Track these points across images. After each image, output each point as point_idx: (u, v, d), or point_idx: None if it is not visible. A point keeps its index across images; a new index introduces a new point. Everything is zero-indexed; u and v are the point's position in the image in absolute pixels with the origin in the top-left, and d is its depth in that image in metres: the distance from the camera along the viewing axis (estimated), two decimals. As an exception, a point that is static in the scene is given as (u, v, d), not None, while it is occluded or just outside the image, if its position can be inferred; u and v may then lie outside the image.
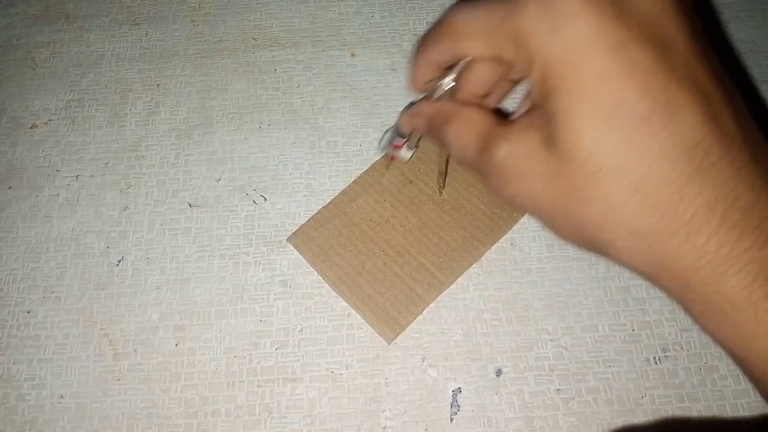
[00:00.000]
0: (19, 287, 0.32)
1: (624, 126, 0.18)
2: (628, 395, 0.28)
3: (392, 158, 0.32)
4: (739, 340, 0.19)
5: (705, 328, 0.19)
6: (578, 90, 0.18)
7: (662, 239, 0.18)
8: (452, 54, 0.23)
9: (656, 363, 0.29)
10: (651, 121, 0.18)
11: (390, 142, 0.29)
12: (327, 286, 0.31)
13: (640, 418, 0.28)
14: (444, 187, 0.32)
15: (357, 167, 0.34)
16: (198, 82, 0.38)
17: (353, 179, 0.33)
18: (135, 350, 0.30)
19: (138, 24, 0.40)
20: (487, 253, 0.31)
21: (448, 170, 0.32)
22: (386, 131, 0.30)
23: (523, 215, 0.32)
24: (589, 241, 0.20)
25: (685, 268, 0.18)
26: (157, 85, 0.38)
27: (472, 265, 0.31)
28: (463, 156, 0.23)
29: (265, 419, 0.28)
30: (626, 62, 0.18)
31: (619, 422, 0.28)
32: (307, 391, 0.29)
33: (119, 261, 0.32)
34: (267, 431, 0.28)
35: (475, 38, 0.21)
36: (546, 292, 0.31)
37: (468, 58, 0.22)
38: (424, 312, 0.30)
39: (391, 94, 0.37)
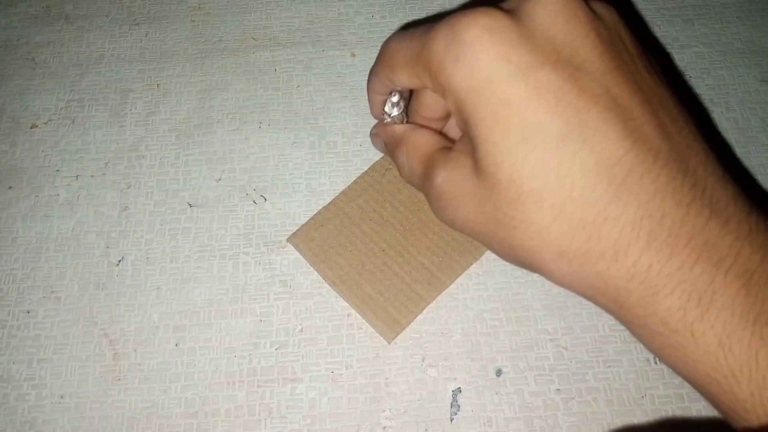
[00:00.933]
0: (18, 287, 0.32)
1: (539, 148, 0.18)
2: (628, 395, 0.28)
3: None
4: (682, 362, 0.18)
5: (650, 349, 0.19)
6: (489, 117, 0.18)
7: (591, 261, 0.18)
8: (387, 83, 0.23)
9: (656, 363, 0.29)
10: (566, 141, 0.17)
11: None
12: (327, 286, 0.31)
13: (640, 418, 0.28)
14: None
15: (357, 167, 0.34)
16: (198, 82, 0.38)
17: (353, 179, 0.33)
18: (135, 350, 0.30)
19: (138, 24, 0.40)
20: (487, 252, 0.31)
21: None
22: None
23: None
24: (523, 262, 0.20)
25: (618, 290, 0.18)
26: (157, 85, 0.38)
27: (472, 264, 0.31)
28: (410, 179, 0.24)
29: (265, 419, 0.28)
30: (533, 86, 0.18)
31: (619, 422, 0.28)
32: (307, 391, 0.29)
33: (119, 261, 0.32)
34: (267, 431, 0.28)
35: (402, 68, 0.21)
36: (546, 292, 0.31)
37: (399, 89, 0.23)
38: (425, 312, 0.30)
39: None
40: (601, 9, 0.20)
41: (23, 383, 0.29)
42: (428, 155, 0.22)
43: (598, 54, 0.18)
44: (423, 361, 0.29)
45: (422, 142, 0.23)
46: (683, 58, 0.37)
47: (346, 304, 0.30)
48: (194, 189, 0.34)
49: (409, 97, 0.25)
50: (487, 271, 0.31)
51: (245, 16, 0.40)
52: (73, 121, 0.36)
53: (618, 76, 0.18)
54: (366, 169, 0.34)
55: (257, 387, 0.29)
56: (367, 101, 0.36)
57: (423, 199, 0.32)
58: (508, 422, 0.28)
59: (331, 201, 0.33)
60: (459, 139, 0.22)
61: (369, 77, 0.26)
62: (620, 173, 0.17)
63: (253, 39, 0.39)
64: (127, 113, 0.37)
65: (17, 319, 0.31)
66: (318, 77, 0.37)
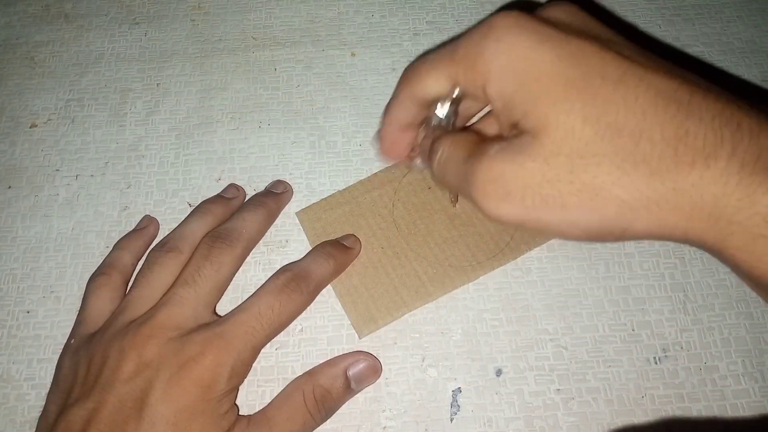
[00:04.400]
0: (18, 287, 0.32)
1: (602, 90, 0.19)
2: (628, 395, 0.28)
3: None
4: None
5: (751, 274, 0.18)
6: (543, 78, 0.19)
7: (684, 173, 0.17)
8: (414, 101, 0.24)
9: (656, 363, 0.29)
10: (624, 81, 0.18)
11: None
12: (327, 286, 0.31)
13: (640, 418, 0.28)
14: (457, 200, 0.31)
15: (357, 167, 0.34)
16: (198, 81, 0.37)
17: (357, 178, 0.33)
18: (135, 350, 0.30)
19: (138, 23, 0.40)
20: (482, 274, 0.31)
21: None
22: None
23: (529, 249, 0.31)
24: (602, 210, 0.19)
25: (715, 198, 0.17)
26: (157, 84, 0.38)
27: (465, 284, 0.31)
28: (447, 169, 0.23)
29: (265, 419, 0.28)
30: (577, 47, 0.19)
31: (619, 422, 0.28)
32: (307, 391, 0.29)
33: (119, 261, 0.32)
34: (267, 431, 0.28)
35: (430, 75, 0.23)
36: (546, 292, 0.31)
37: (456, 89, 0.23)
38: (425, 312, 0.30)
39: (391, 94, 0.37)
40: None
41: (23, 383, 0.29)
42: (473, 143, 0.22)
43: (616, 35, 0.21)
44: (423, 361, 0.29)
45: (464, 134, 0.24)
46: (683, 58, 0.37)
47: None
48: (194, 189, 0.34)
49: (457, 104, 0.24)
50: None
51: (245, 15, 0.40)
52: (73, 121, 0.36)
53: (638, 48, 0.20)
54: (389, 165, 0.34)
55: (257, 387, 0.29)
56: (367, 100, 0.36)
57: (436, 208, 0.32)
58: (508, 422, 0.28)
59: (347, 187, 0.33)
60: (496, 135, 0.23)
61: (385, 114, 0.26)
62: (684, 97, 0.18)
63: (253, 38, 0.39)
64: (126, 113, 0.37)
65: (17, 319, 0.31)
66: (318, 77, 0.37)
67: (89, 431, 0.23)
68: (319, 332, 0.30)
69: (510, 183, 0.19)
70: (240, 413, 0.27)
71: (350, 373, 0.28)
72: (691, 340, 0.29)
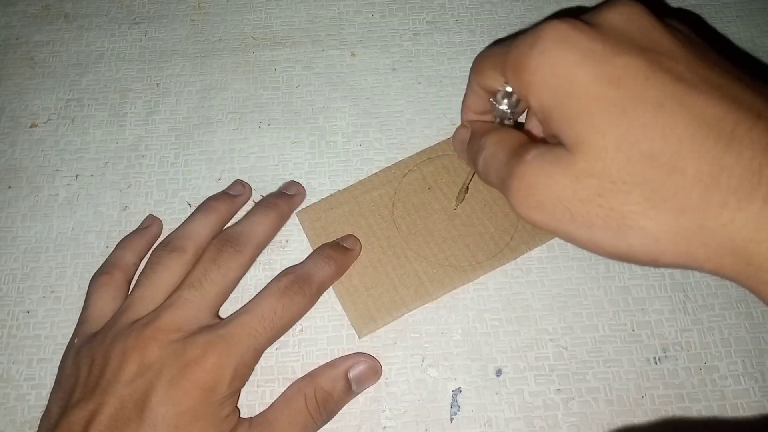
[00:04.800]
0: (18, 287, 0.32)
1: (640, 114, 0.18)
2: (628, 395, 0.28)
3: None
4: None
5: None
6: (583, 96, 0.19)
7: (713, 213, 0.17)
8: (482, 91, 0.25)
9: (656, 363, 0.29)
10: (664, 107, 0.18)
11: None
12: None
13: (640, 418, 0.28)
14: (462, 201, 0.31)
15: (357, 167, 0.34)
16: (198, 81, 0.37)
17: (357, 178, 0.33)
18: (135, 350, 0.30)
19: (137, 23, 0.40)
20: (482, 274, 0.31)
21: (470, 188, 0.31)
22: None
23: (529, 249, 0.31)
24: (627, 232, 0.19)
25: (746, 242, 0.17)
26: (157, 84, 0.38)
27: (465, 284, 0.31)
28: (490, 166, 0.23)
29: (266, 419, 0.28)
30: (622, 65, 0.18)
31: (619, 422, 0.28)
32: (307, 391, 0.29)
33: (119, 261, 0.32)
34: (267, 431, 0.28)
35: (487, 71, 0.23)
36: (546, 292, 0.31)
37: (508, 87, 0.23)
38: (425, 312, 0.30)
39: (391, 94, 0.37)
40: (674, 21, 0.21)
41: (23, 383, 0.29)
42: (517, 143, 0.22)
43: (677, 44, 0.19)
44: (423, 361, 0.29)
45: (510, 133, 0.23)
46: (683, 58, 0.37)
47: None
48: (194, 189, 0.34)
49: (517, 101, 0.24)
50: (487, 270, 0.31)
51: (245, 15, 0.40)
52: (73, 121, 0.36)
53: (699, 61, 0.19)
54: (390, 165, 0.34)
55: (257, 387, 0.29)
56: (367, 100, 0.36)
57: (436, 208, 0.32)
58: (508, 422, 0.28)
59: (347, 187, 0.33)
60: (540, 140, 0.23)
61: (463, 98, 0.27)
62: (727, 127, 0.17)
63: (253, 38, 0.39)
64: (126, 113, 0.37)
65: (17, 319, 0.31)
66: (318, 77, 0.37)
67: None
68: (319, 332, 0.30)
69: (542, 193, 0.20)
70: (241, 414, 0.27)
71: (351, 374, 0.28)
72: (691, 340, 0.29)
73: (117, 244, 0.31)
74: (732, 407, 0.28)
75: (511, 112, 0.24)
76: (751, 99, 0.18)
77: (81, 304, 0.31)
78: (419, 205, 0.32)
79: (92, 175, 0.35)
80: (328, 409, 0.27)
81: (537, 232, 0.31)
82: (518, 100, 0.23)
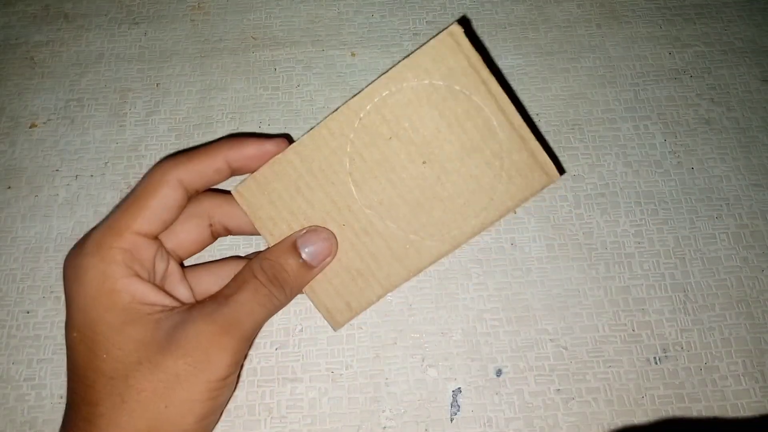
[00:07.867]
0: (18, 287, 0.32)
1: None
2: (628, 395, 0.28)
3: None
4: None
5: None
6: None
7: None
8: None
9: (656, 363, 0.29)
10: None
11: None
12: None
13: (640, 418, 0.28)
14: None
15: (357, 167, 0.34)
16: (198, 81, 0.37)
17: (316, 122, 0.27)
18: (135, 350, 0.30)
19: (137, 23, 0.40)
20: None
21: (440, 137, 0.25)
22: None
23: (515, 206, 0.25)
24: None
25: None
26: (157, 84, 0.37)
27: (444, 255, 0.25)
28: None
29: (265, 419, 0.28)
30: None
31: (619, 422, 0.28)
32: (307, 391, 0.29)
33: (119, 261, 0.32)
34: (267, 431, 0.28)
35: None
36: (546, 292, 0.31)
37: None
38: (425, 312, 0.30)
39: (391, 94, 0.37)
40: None
41: (23, 383, 0.29)
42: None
43: None
44: (423, 361, 0.29)
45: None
46: (684, 58, 0.37)
47: None
48: (194, 189, 0.34)
49: None
50: (487, 271, 0.31)
51: (245, 15, 0.40)
52: (73, 121, 0.36)
53: None
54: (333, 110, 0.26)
55: (257, 387, 0.29)
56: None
57: (403, 160, 0.25)
58: (508, 422, 0.28)
59: (291, 146, 0.26)
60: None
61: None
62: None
63: (253, 38, 0.39)
64: (126, 113, 0.37)
65: (17, 319, 0.31)
66: (318, 77, 0.37)
67: None
68: (319, 332, 0.30)
69: None
70: (240, 415, 0.27)
71: (298, 242, 0.26)
72: (691, 341, 0.29)
73: None
74: (732, 407, 0.28)
75: None
76: None
77: (81, 304, 0.31)
78: (382, 161, 0.25)
79: (92, 176, 0.35)
80: (281, 278, 0.25)
81: (527, 180, 0.25)
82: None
